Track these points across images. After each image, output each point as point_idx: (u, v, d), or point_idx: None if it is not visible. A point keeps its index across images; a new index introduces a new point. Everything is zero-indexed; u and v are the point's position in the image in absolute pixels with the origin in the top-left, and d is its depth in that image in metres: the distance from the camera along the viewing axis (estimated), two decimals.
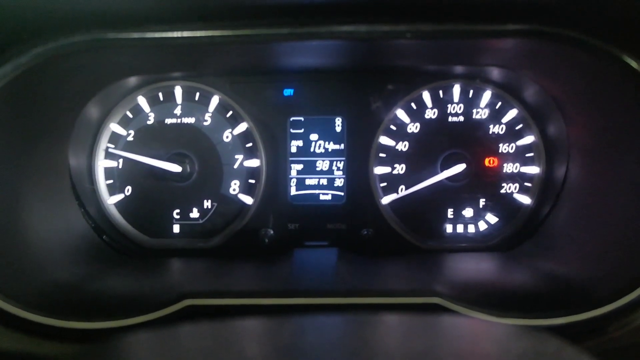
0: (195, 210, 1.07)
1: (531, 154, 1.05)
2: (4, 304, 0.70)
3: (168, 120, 1.06)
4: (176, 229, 1.07)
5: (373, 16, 0.73)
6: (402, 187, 1.06)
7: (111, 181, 1.06)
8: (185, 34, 0.74)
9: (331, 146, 1.07)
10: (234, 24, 0.73)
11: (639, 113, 0.75)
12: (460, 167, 1.02)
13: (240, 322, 0.44)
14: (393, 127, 1.06)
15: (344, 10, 0.72)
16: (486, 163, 1.05)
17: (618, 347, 0.70)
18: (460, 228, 1.07)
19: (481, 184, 1.06)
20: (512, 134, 1.05)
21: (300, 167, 1.08)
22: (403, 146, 1.06)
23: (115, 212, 1.06)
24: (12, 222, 0.81)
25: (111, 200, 1.06)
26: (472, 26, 0.75)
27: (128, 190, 1.07)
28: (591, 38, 0.71)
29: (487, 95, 1.04)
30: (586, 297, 0.74)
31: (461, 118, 1.05)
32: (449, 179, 1.04)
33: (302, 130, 1.07)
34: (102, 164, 1.06)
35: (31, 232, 0.85)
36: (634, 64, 0.70)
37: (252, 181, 1.07)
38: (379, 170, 1.07)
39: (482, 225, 1.07)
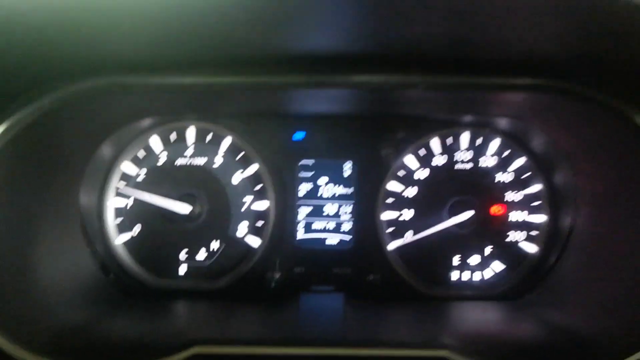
0: (202, 251, 1.08)
1: (538, 202, 1.06)
2: (14, 349, 0.70)
3: (179, 161, 1.08)
4: (183, 270, 1.08)
5: (387, 67, 0.76)
6: (410, 232, 1.07)
7: (120, 220, 1.07)
8: (203, 79, 0.77)
9: (340, 190, 1.09)
10: (251, 71, 0.76)
11: (628, 165, 0.77)
12: (468, 214, 1.04)
13: None
14: (401, 173, 1.07)
15: (359, 61, 0.75)
16: (493, 211, 1.06)
17: None
18: (466, 275, 1.07)
19: (488, 231, 1.07)
20: (519, 182, 1.06)
21: (308, 210, 1.09)
22: (411, 192, 1.07)
23: (122, 251, 1.07)
24: (23, 264, 0.82)
25: (119, 239, 1.07)
26: (482, 79, 0.78)
27: (137, 229, 1.07)
28: (600, 94, 0.74)
29: (495, 144, 1.06)
30: (596, 352, 0.73)
31: (469, 165, 1.07)
32: (456, 226, 1.05)
33: (311, 174, 1.09)
34: (112, 202, 1.07)
35: (41, 274, 0.85)
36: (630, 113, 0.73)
37: (260, 224, 1.08)
38: (387, 215, 1.08)
39: (488, 273, 1.07)
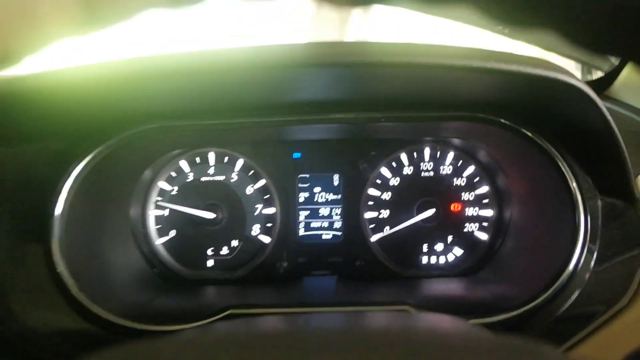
0: (224, 248, 1.34)
1: (486, 200, 1.32)
2: (93, 306, 0.96)
3: (203, 178, 1.33)
4: (210, 263, 1.34)
5: (357, 107, 1.04)
6: (387, 227, 1.33)
7: (160, 226, 1.34)
8: (221, 121, 1.01)
9: (330, 196, 1.35)
10: (257, 114, 1.01)
11: (548, 173, 1.05)
12: (431, 212, 1.30)
13: (268, 321, 0.72)
14: (378, 181, 1.33)
15: (337, 105, 1.02)
16: (452, 208, 1.32)
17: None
18: (433, 259, 1.33)
19: (449, 225, 1.32)
20: (471, 185, 1.32)
21: (307, 213, 1.35)
22: (387, 196, 1.33)
23: (162, 250, 1.33)
24: (96, 255, 1.09)
25: (159, 241, 1.33)
26: (429, 113, 1.04)
27: (172, 233, 1.34)
28: (514, 123, 1.01)
29: (450, 156, 1.32)
30: (520, 304, 1.01)
31: (431, 173, 1.32)
32: (423, 220, 1.31)
33: (308, 185, 1.35)
34: (152, 213, 1.34)
35: (107, 264, 1.13)
36: (540, 140, 1.01)
37: (269, 225, 1.35)
38: (368, 215, 1.34)
39: (450, 257, 1.33)
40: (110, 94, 0.85)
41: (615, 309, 0.94)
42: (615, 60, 1.48)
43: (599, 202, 1.02)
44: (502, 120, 1.00)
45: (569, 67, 1.72)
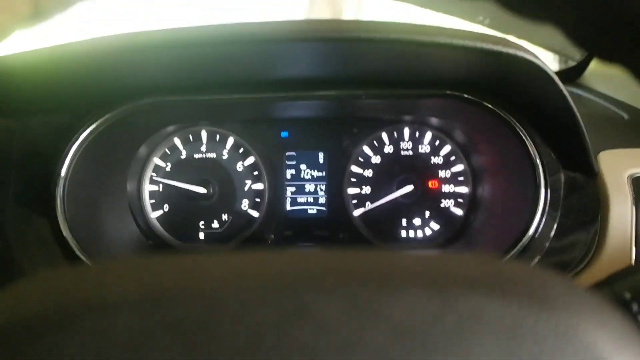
0: (215, 222, 1.41)
1: (462, 178, 1.39)
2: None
3: (196, 155, 1.40)
4: (201, 236, 1.41)
5: (339, 85, 1.12)
6: (368, 202, 1.41)
7: (154, 200, 1.41)
8: (213, 97, 1.09)
9: (315, 173, 1.42)
10: (246, 90, 1.09)
11: (515, 149, 1.13)
12: (409, 188, 1.37)
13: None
14: (360, 159, 1.41)
15: (320, 82, 1.10)
16: (429, 185, 1.40)
17: None
18: (412, 233, 1.41)
19: (426, 201, 1.40)
20: (447, 163, 1.39)
21: (293, 189, 1.43)
22: (368, 173, 1.41)
23: (157, 223, 1.41)
24: (95, 225, 1.18)
25: (154, 215, 1.41)
26: (407, 91, 1.13)
27: (166, 207, 1.41)
28: (485, 101, 1.10)
29: (428, 136, 1.39)
30: None
31: (410, 152, 1.40)
32: (402, 196, 1.38)
33: (294, 162, 1.42)
34: (147, 188, 1.41)
35: (106, 234, 1.22)
36: (507, 116, 1.10)
37: (258, 200, 1.42)
38: (351, 190, 1.42)
39: (428, 231, 1.40)
40: (105, 69, 0.92)
41: (572, 274, 1.03)
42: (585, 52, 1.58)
43: (562, 176, 1.11)
44: (467, 96, 1.08)
45: (547, 57, 1.82)
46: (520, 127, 1.09)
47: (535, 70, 0.90)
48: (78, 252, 1.03)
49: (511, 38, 0.96)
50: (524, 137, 1.10)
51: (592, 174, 1.07)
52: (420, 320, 0.34)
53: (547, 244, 1.08)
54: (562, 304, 0.34)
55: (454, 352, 0.33)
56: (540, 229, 1.07)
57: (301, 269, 0.37)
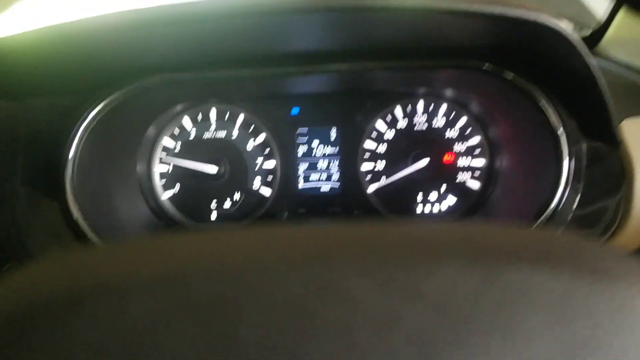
0: (227, 201, 1.39)
1: (478, 150, 1.36)
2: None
3: (205, 135, 1.37)
4: (214, 216, 1.40)
5: (352, 58, 1.09)
6: (383, 178, 1.38)
7: (164, 181, 1.39)
8: (222, 73, 1.06)
9: (328, 150, 1.40)
10: (256, 65, 1.06)
11: (536, 119, 1.10)
12: (424, 162, 1.34)
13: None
14: (374, 134, 1.38)
15: (332, 55, 1.07)
16: (445, 158, 1.37)
17: None
18: (427, 208, 1.39)
19: (442, 175, 1.37)
20: (463, 136, 1.36)
21: (305, 166, 1.40)
22: (382, 148, 1.38)
23: (168, 204, 1.39)
24: (107, 203, 1.17)
25: (165, 195, 1.39)
26: (421, 62, 1.10)
27: (177, 187, 1.39)
28: (500, 70, 1.07)
29: (443, 108, 1.36)
30: None
31: (425, 126, 1.37)
32: (417, 171, 1.35)
33: (306, 139, 1.39)
34: (157, 169, 1.39)
35: (118, 218, 1.20)
36: (527, 85, 1.06)
37: (270, 178, 1.39)
38: (365, 166, 1.39)
39: (444, 206, 1.38)
40: (110, 47, 0.88)
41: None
42: (602, 18, 1.53)
43: (584, 146, 1.07)
44: (488, 65, 1.04)
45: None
46: (542, 97, 1.05)
47: (556, 35, 0.86)
48: (90, 235, 1.01)
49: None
50: (545, 107, 1.06)
51: (615, 143, 1.03)
52: (461, 296, 0.31)
53: (570, 216, 1.05)
54: (616, 275, 0.31)
55: (499, 330, 0.30)
56: (563, 201, 1.04)
57: (329, 243, 0.35)
